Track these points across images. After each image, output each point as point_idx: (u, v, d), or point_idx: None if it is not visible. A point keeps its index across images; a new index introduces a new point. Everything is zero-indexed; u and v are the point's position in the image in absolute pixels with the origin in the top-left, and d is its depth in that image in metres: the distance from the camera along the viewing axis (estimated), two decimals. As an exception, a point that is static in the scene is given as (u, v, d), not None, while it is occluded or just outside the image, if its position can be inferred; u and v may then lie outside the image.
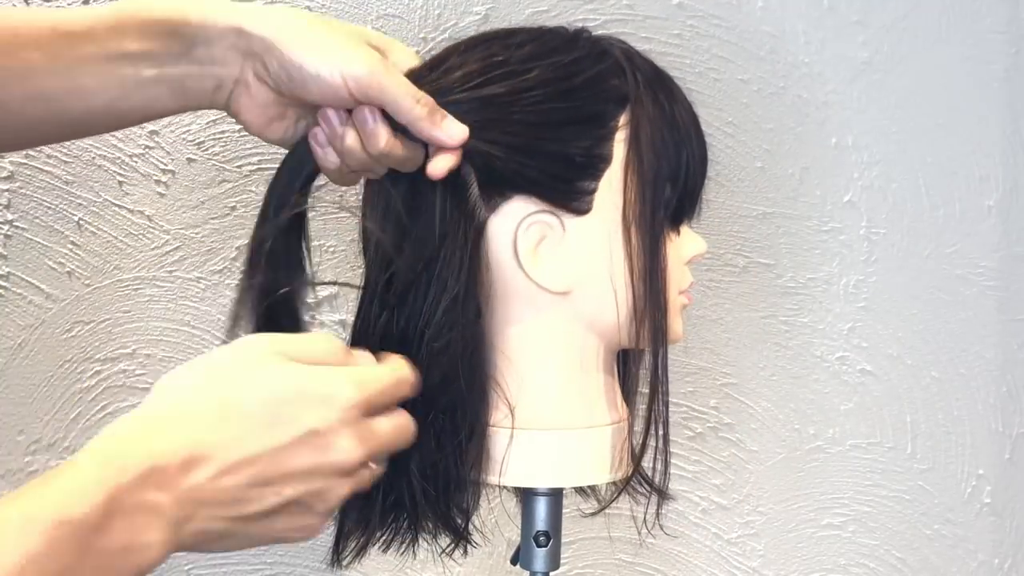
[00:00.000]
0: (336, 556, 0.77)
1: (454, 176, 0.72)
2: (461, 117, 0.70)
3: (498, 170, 0.72)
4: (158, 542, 0.56)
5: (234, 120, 0.74)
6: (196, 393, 0.60)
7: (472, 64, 0.73)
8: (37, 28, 0.67)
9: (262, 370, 0.61)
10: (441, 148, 0.70)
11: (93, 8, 0.70)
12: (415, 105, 0.68)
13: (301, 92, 0.69)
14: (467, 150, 0.71)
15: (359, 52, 0.69)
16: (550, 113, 0.72)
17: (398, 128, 0.69)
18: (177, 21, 0.69)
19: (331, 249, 1.07)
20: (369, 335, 0.73)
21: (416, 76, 0.73)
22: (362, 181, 0.76)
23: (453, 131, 0.69)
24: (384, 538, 0.78)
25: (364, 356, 0.69)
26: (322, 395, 0.61)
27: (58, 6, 0.98)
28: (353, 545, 0.77)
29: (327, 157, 0.71)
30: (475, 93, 0.71)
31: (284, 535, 0.62)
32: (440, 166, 0.70)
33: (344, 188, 0.77)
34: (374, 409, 0.64)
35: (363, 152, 0.70)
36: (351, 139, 0.69)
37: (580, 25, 0.79)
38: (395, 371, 0.68)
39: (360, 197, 0.77)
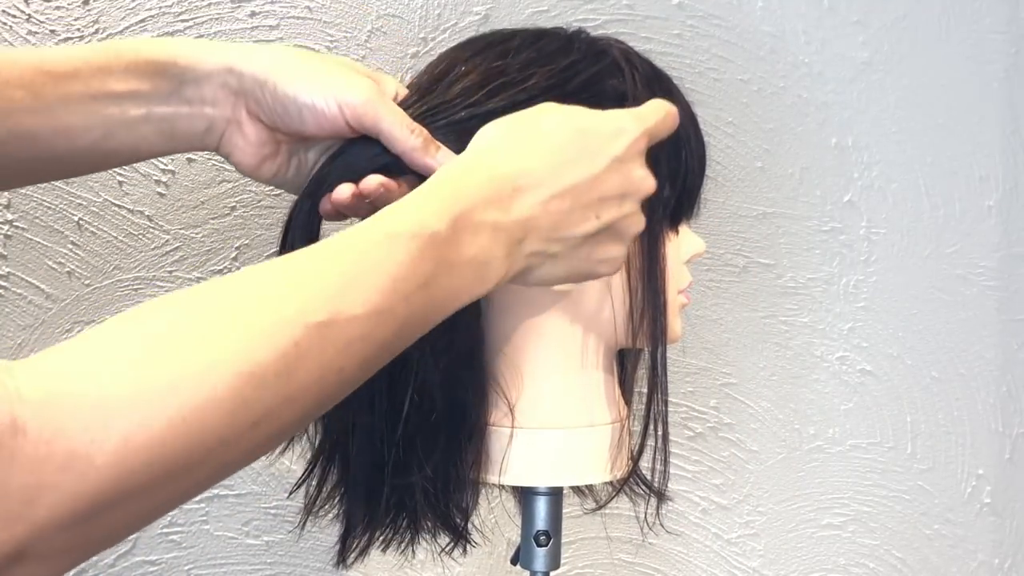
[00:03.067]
0: (342, 555, 0.78)
1: None
2: (463, 135, 0.70)
3: None
4: (500, 257, 0.62)
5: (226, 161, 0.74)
6: (514, 133, 0.65)
7: (471, 76, 0.73)
8: (20, 67, 0.68)
9: (560, 112, 0.67)
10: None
11: (81, 47, 0.70)
12: (409, 136, 0.70)
13: (297, 125, 0.70)
14: None
15: (354, 80, 0.70)
16: None
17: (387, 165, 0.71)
18: (165, 62, 0.70)
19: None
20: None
21: (420, 90, 0.74)
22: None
23: (445, 161, 0.70)
24: (383, 537, 0.78)
25: None
26: (614, 128, 0.66)
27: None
28: (356, 544, 0.78)
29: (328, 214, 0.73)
30: (476, 110, 0.72)
31: (597, 266, 0.68)
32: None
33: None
34: (652, 140, 0.69)
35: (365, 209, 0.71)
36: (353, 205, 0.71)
37: (578, 26, 0.79)
38: (662, 106, 0.71)
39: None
